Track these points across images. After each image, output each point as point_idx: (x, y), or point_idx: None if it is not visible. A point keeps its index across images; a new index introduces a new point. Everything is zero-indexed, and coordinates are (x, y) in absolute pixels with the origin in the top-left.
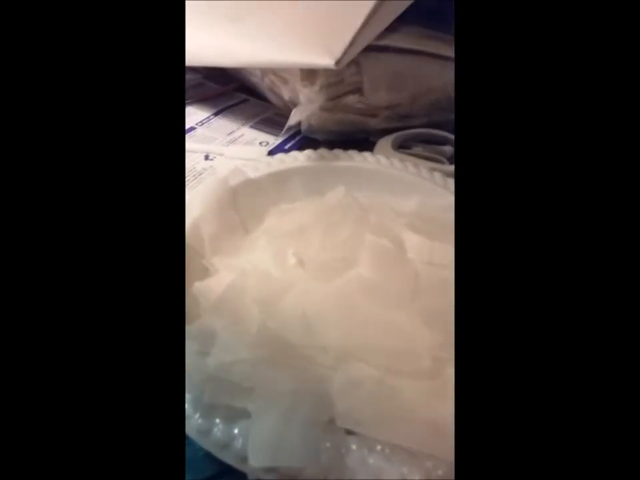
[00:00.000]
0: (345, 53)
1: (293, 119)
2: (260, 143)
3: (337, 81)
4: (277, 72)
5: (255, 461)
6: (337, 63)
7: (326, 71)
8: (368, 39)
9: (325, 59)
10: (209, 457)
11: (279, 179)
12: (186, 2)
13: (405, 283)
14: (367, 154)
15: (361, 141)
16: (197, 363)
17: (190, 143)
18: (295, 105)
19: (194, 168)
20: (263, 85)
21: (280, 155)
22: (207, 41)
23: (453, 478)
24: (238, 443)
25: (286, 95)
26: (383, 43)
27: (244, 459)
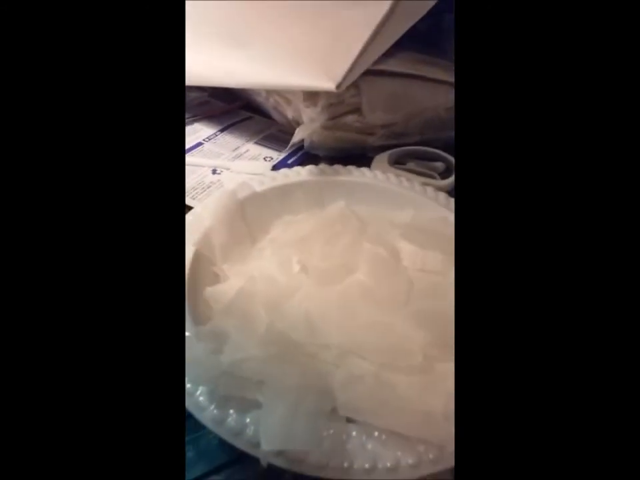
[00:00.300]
0: (345, 77)
1: (297, 136)
2: (264, 158)
3: (337, 102)
4: (281, 93)
5: (266, 445)
6: (338, 86)
7: (327, 93)
8: (366, 64)
9: (326, 83)
10: (223, 446)
11: (283, 192)
12: (196, 27)
13: (400, 288)
14: (364, 169)
15: (358, 157)
16: (211, 359)
17: (198, 158)
18: (297, 123)
19: (202, 181)
20: (268, 104)
21: (284, 170)
22: (216, 64)
23: (443, 461)
24: (250, 431)
25: (289, 114)
26: (379, 67)
27: (256, 444)
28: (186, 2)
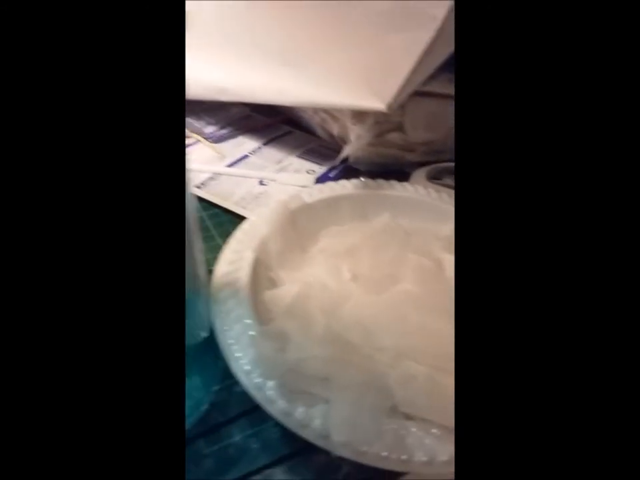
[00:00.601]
0: (395, 98)
1: (346, 152)
2: (307, 171)
3: (383, 121)
4: (328, 110)
5: (336, 436)
6: (388, 107)
7: (375, 112)
8: (414, 85)
9: (377, 103)
10: (285, 439)
11: (330, 204)
12: (249, 47)
13: (445, 297)
14: (406, 184)
15: (397, 171)
16: (278, 357)
17: (245, 169)
18: (342, 139)
19: (251, 191)
20: (314, 120)
21: (330, 183)
22: (267, 83)
23: None
24: (317, 423)
25: (335, 130)
26: (423, 88)
27: (322, 436)
28: (240, 22)
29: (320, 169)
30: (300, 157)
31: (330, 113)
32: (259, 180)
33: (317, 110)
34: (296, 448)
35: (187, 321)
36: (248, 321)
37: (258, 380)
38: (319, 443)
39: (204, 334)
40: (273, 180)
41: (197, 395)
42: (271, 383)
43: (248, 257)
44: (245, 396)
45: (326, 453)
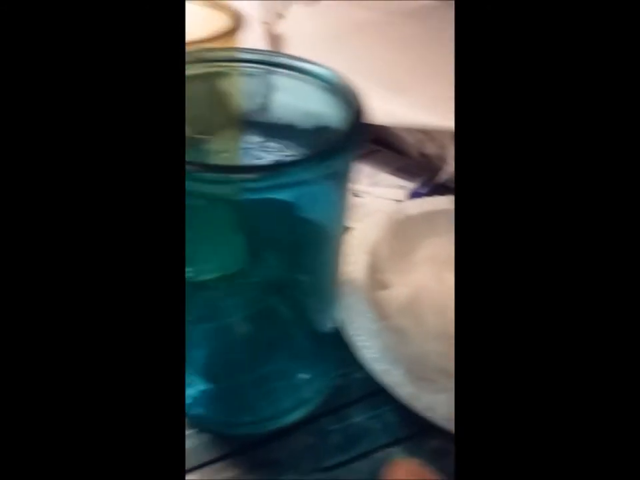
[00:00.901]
0: None
1: (445, 171)
2: (399, 186)
3: None
4: (427, 131)
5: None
6: None
7: None
8: None
9: None
10: (404, 422)
11: (426, 218)
12: (346, 69)
13: None
14: None
15: None
16: (399, 349)
17: None
18: (437, 159)
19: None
20: (408, 139)
21: (425, 198)
22: (378, 106)
23: None
24: (442, 408)
25: (430, 150)
26: None
27: (447, 419)
28: (339, 44)
29: (411, 185)
30: (391, 173)
31: (427, 133)
32: (354, 193)
33: (411, 130)
34: (412, 431)
35: (318, 315)
36: (369, 316)
37: (384, 367)
38: (444, 424)
39: (331, 325)
40: (368, 193)
41: (323, 379)
42: (397, 370)
43: (362, 260)
44: (365, 381)
45: (440, 437)
